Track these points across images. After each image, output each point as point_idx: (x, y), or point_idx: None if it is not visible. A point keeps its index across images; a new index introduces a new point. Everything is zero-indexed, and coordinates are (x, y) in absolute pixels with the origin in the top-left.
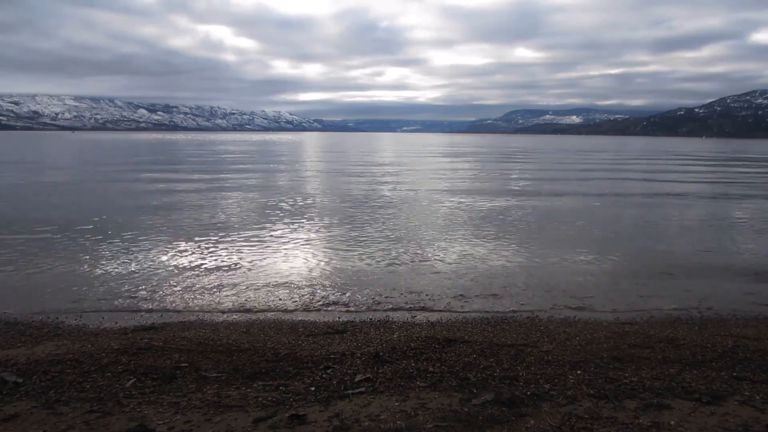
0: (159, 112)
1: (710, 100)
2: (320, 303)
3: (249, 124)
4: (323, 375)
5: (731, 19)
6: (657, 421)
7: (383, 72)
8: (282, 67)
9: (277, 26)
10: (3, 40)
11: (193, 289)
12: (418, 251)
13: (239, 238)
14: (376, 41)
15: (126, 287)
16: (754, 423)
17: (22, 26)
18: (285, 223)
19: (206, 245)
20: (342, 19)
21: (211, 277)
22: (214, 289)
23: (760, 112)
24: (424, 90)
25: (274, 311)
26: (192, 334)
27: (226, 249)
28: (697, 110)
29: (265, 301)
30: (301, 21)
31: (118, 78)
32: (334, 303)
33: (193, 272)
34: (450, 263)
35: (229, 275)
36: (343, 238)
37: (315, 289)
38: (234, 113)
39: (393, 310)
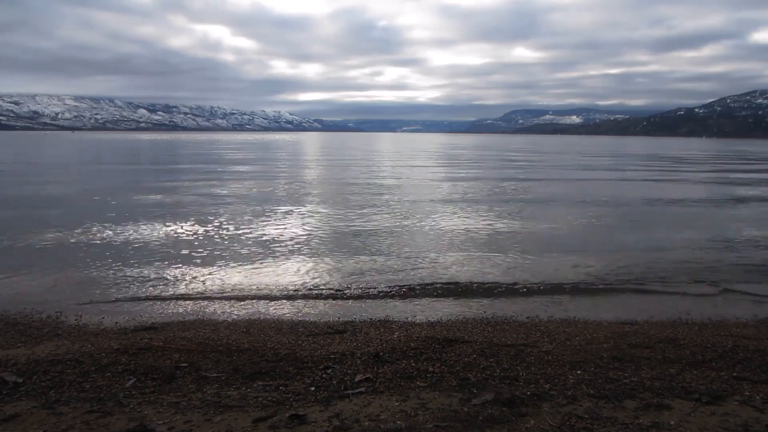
0: (159, 112)
1: (710, 100)
2: (320, 303)
3: (249, 124)
4: (323, 375)
5: (731, 19)
6: (657, 421)
7: (382, 72)
8: (281, 67)
9: (275, 26)
10: (2, 40)
11: (194, 288)
12: (418, 252)
13: (239, 239)
14: (375, 41)
15: (126, 287)
16: (754, 423)
17: (20, 26)
18: (285, 225)
19: (206, 245)
20: (339, 18)
21: (212, 278)
22: (215, 289)
23: (760, 112)
24: (423, 90)
25: (274, 311)
26: (192, 334)
27: (226, 249)
28: (697, 110)
29: (265, 301)
30: (299, 20)
31: (117, 78)
32: (335, 303)
33: (193, 272)
34: (450, 263)
35: (229, 275)
36: (342, 239)
37: (315, 289)
38: (234, 113)
39: (393, 309)
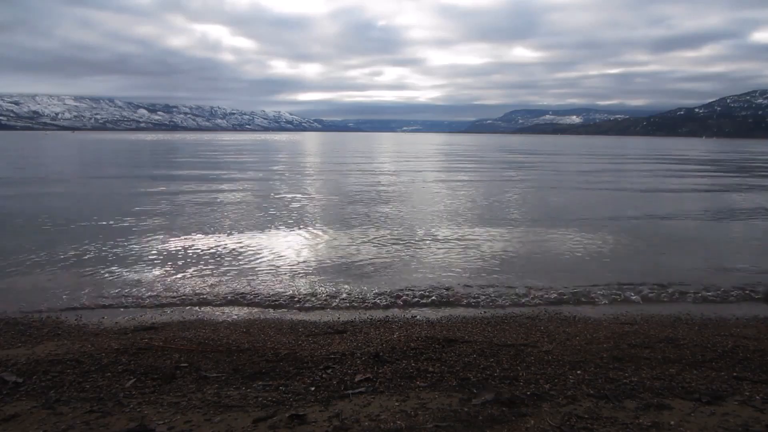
0: (159, 112)
1: (710, 100)
2: (320, 302)
3: (249, 124)
4: (323, 375)
5: (731, 18)
6: (657, 421)
7: (382, 72)
8: (280, 67)
9: (274, 26)
10: (1, 40)
11: (194, 289)
12: (418, 252)
13: (239, 239)
14: (374, 41)
15: (126, 287)
16: (754, 423)
17: (18, 25)
18: (285, 225)
19: (206, 246)
20: (338, 18)
21: (212, 278)
22: (215, 290)
23: (760, 112)
24: (423, 90)
25: (274, 311)
26: (192, 334)
27: (226, 250)
28: (697, 110)
29: (265, 301)
30: (297, 20)
31: (117, 78)
32: (335, 303)
33: (193, 272)
34: (450, 263)
35: (229, 276)
36: (342, 239)
37: (315, 289)
38: (234, 113)
39: (393, 309)
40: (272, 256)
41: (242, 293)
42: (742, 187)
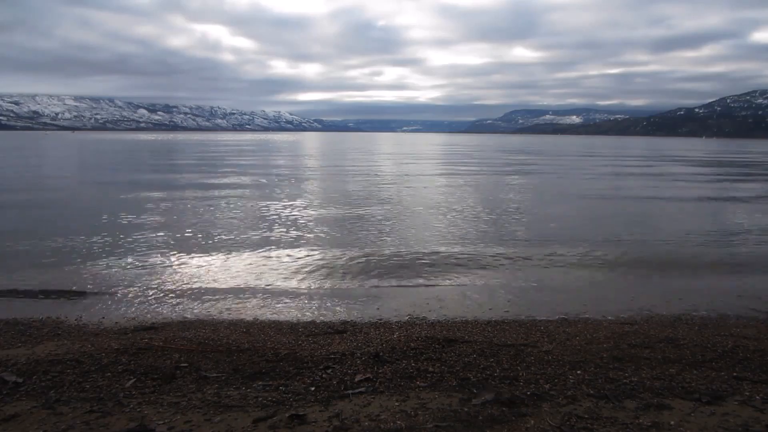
0: (159, 112)
1: (710, 100)
2: (320, 302)
3: (249, 124)
4: (323, 375)
5: (731, 18)
6: (657, 421)
7: (382, 72)
8: (280, 67)
9: (274, 26)
10: (1, 40)
11: (193, 289)
12: (417, 252)
13: (240, 240)
14: (374, 41)
15: (126, 287)
16: (754, 423)
17: (18, 25)
18: (285, 226)
19: (207, 246)
20: (338, 18)
21: (212, 278)
22: (215, 290)
23: (760, 112)
24: (423, 90)
25: (274, 311)
26: (192, 334)
27: (226, 250)
28: (697, 110)
29: (265, 301)
30: (297, 20)
31: (117, 78)
32: (335, 303)
33: (193, 273)
34: (451, 263)
35: (229, 275)
36: (342, 240)
37: (315, 288)
38: (234, 113)
39: (393, 310)
40: (272, 263)
41: (244, 293)
42: (751, 191)
